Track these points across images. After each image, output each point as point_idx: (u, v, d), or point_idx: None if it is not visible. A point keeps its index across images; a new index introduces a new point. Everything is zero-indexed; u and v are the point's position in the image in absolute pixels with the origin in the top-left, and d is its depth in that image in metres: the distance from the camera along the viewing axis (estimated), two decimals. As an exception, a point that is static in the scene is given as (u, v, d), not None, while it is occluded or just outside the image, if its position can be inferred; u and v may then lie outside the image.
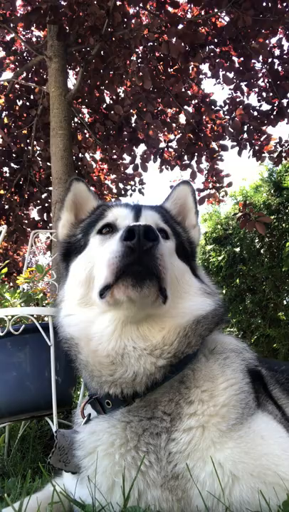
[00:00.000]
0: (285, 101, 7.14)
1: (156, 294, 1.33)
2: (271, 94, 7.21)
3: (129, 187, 8.79)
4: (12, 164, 8.05)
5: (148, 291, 1.30)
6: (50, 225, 7.24)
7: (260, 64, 7.21)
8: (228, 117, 7.70)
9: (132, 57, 7.06)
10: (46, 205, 8.11)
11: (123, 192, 8.75)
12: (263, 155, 7.75)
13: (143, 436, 1.32)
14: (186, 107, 7.60)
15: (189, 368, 1.41)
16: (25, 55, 7.86)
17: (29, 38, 7.90)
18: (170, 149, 8.39)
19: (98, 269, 1.44)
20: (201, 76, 7.96)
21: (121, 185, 8.80)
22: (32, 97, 7.90)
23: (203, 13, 6.72)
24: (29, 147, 7.81)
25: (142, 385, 1.32)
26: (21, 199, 8.16)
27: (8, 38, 7.52)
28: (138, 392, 1.33)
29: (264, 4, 6.00)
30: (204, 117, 7.82)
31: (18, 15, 6.69)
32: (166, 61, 7.02)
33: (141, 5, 6.51)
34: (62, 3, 6.05)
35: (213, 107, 7.66)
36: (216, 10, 6.26)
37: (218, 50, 7.05)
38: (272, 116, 7.30)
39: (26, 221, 8.34)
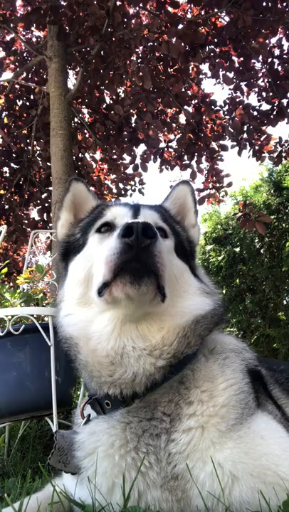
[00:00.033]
0: (284, 101, 7.15)
1: (155, 291, 1.33)
2: (271, 94, 7.21)
3: (129, 187, 8.79)
4: (12, 164, 8.05)
5: (146, 288, 1.30)
6: (50, 225, 7.25)
7: (260, 64, 7.22)
8: (228, 117, 7.70)
9: (132, 57, 7.06)
10: (46, 205, 8.11)
11: (123, 192, 8.75)
12: (263, 155, 7.76)
13: (143, 437, 1.32)
14: (186, 107, 7.60)
15: (189, 368, 1.41)
16: (25, 55, 7.86)
17: (29, 38, 7.90)
18: (170, 149, 8.40)
19: (97, 267, 1.44)
20: (201, 76, 7.96)
21: (121, 185, 8.80)
22: (32, 97, 7.91)
23: (203, 13, 6.72)
24: (29, 147, 7.81)
25: (141, 385, 1.31)
26: (21, 199, 8.16)
27: (8, 38, 7.53)
28: (137, 392, 1.33)
29: (264, 4, 6.00)
30: (204, 117, 7.82)
31: (18, 15, 6.69)
32: (166, 61, 7.02)
33: (141, 5, 6.50)
34: (62, 3, 6.05)
35: (213, 106, 7.66)
36: (216, 10, 6.26)
37: (218, 50, 7.05)
38: (272, 116, 7.30)
39: (26, 221, 8.34)
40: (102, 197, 8.56)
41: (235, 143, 7.55)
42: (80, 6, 5.68)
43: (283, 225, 9.22)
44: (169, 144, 8.39)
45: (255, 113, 7.47)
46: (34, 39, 7.93)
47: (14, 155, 7.91)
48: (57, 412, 2.95)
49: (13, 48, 7.66)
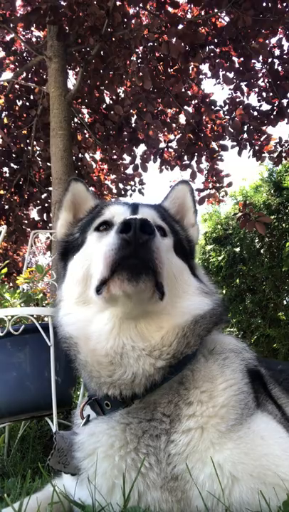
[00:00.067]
0: (285, 101, 7.14)
1: (153, 289, 1.32)
2: (271, 94, 7.21)
3: (129, 187, 8.78)
4: (12, 164, 8.04)
5: (144, 285, 1.29)
6: (50, 225, 7.25)
7: (260, 64, 7.22)
8: (228, 117, 7.70)
9: (132, 57, 7.06)
10: (46, 205, 8.11)
11: (123, 192, 8.75)
12: (263, 155, 7.75)
13: (143, 438, 1.31)
14: (186, 107, 7.60)
15: (188, 369, 1.40)
16: (25, 55, 7.86)
17: (29, 38, 7.90)
18: (170, 149, 8.39)
19: (95, 265, 1.43)
20: (201, 76, 7.96)
21: (121, 186, 8.80)
22: (32, 97, 7.90)
23: (203, 13, 6.72)
24: (29, 147, 7.81)
25: (140, 386, 1.31)
26: (21, 199, 8.16)
27: (8, 38, 7.52)
28: (137, 393, 1.32)
29: (264, 4, 6.00)
30: (204, 117, 7.82)
31: (18, 15, 6.69)
32: (166, 61, 7.02)
33: (141, 5, 6.50)
34: (62, 3, 6.05)
35: (213, 107, 7.66)
36: (216, 10, 6.26)
37: (218, 50, 7.05)
38: (272, 116, 7.30)
39: (26, 221, 8.34)
40: (102, 197, 8.56)
41: (235, 143, 7.55)
42: (79, 6, 5.67)
43: (283, 225, 9.22)
44: (169, 144, 8.39)
45: (256, 113, 7.46)
46: (34, 39, 7.93)
47: (14, 155, 7.91)
48: (57, 412, 2.95)
49: (13, 48, 7.65)
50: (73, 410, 1.68)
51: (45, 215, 8.14)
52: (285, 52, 7.24)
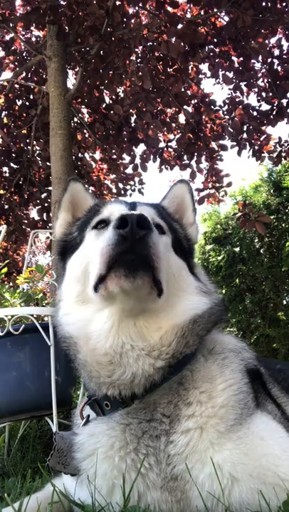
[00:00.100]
0: (284, 101, 7.14)
1: (151, 285, 1.31)
2: (271, 94, 7.21)
3: (128, 187, 8.79)
4: (12, 164, 8.04)
5: (141, 281, 1.29)
6: (50, 224, 7.25)
7: (259, 64, 7.21)
8: (227, 117, 7.70)
9: (131, 57, 7.07)
10: (46, 204, 8.11)
11: (123, 192, 8.75)
12: (263, 155, 7.76)
13: (142, 438, 1.31)
14: (185, 106, 7.60)
15: (188, 369, 1.40)
16: (24, 54, 7.85)
17: (28, 37, 7.90)
18: (170, 149, 8.39)
19: (93, 263, 1.43)
20: (200, 76, 7.96)
21: (120, 185, 8.80)
22: (31, 96, 7.90)
23: (202, 12, 6.72)
24: (29, 147, 7.81)
25: (140, 386, 1.31)
26: (21, 199, 8.16)
27: (7, 37, 7.52)
28: (136, 393, 1.32)
29: (263, 4, 6.01)
30: (204, 117, 7.82)
31: (18, 15, 6.69)
32: (165, 61, 7.02)
33: (140, 5, 6.50)
34: (62, 2, 6.05)
35: (212, 106, 7.66)
36: (215, 10, 6.26)
37: (217, 49, 7.05)
38: (271, 116, 7.30)
39: (26, 221, 8.34)
40: (102, 197, 8.56)
41: (234, 143, 7.55)
42: (79, 5, 5.67)
43: (283, 225, 9.22)
44: (169, 144, 8.39)
45: (255, 113, 7.47)
46: (34, 39, 7.93)
47: (14, 155, 7.91)
48: (57, 411, 2.95)
49: (13, 48, 7.65)
50: (73, 410, 1.68)
51: (45, 214, 8.14)
52: (285, 52, 7.24)
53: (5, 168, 8.12)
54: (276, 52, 7.25)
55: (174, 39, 6.03)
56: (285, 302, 9.49)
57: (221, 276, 9.77)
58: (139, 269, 1.28)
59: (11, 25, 6.37)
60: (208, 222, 10.60)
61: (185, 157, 8.03)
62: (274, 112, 7.26)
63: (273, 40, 7.22)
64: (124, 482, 1.26)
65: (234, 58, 7.10)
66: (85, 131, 8.45)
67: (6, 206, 8.06)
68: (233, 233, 9.96)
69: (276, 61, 7.11)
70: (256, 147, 7.62)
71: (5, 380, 3.08)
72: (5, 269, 3.72)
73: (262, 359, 1.90)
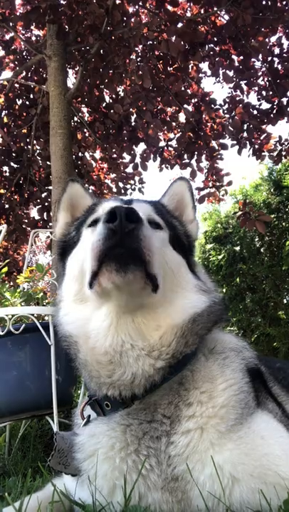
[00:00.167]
0: (284, 99, 7.13)
1: (143, 279, 1.30)
2: (271, 92, 7.20)
3: (129, 186, 8.78)
4: (12, 163, 8.04)
5: (132, 276, 1.27)
6: (50, 224, 7.24)
7: (259, 62, 7.20)
8: (227, 116, 7.69)
9: (131, 56, 7.06)
10: (46, 204, 8.10)
11: (123, 191, 8.75)
12: (263, 154, 7.75)
13: (143, 439, 1.31)
14: (185, 105, 7.59)
15: (188, 369, 1.40)
16: (24, 54, 7.85)
17: (28, 37, 7.89)
18: (170, 148, 8.38)
19: (87, 260, 1.42)
20: (200, 75, 7.95)
21: (121, 185, 8.80)
22: (32, 96, 7.90)
23: (202, 11, 6.71)
24: (29, 146, 7.80)
25: (140, 387, 1.30)
26: (21, 198, 8.15)
27: (7, 37, 7.51)
28: (136, 394, 1.31)
29: (263, 3, 5.99)
30: (204, 116, 7.81)
31: (18, 14, 6.69)
32: (165, 60, 7.01)
33: (140, 3, 6.50)
34: (62, 2, 6.04)
35: (212, 105, 7.65)
36: (215, 8, 6.25)
37: (217, 48, 7.04)
38: (272, 115, 7.29)
39: (26, 220, 8.33)
40: (102, 196, 8.56)
41: (235, 142, 7.54)
42: (79, 4, 5.67)
43: (283, 223, 9.22)
44: (169, 143, 8.38)
45: (255, 112, 7.46)
46: (33, 38, 7.92)
47: (14, 154, 7.91)
48: (57, 411, 2.96)
49: (13, 47, 7.64)
50: (74, 409, 1.69)
51: (45, 214, 8.13)
52: (285, 50, 7.23)
53: (5, 168, 8.12)
54: (276, 50, 7.24)
55: (174, 38, 6.02)
56: (285, 301, 9.49)
57: (222, 275, 9.77)
58: (129, 263, 1.27)
59: (10, 24, 6.36)
60: (209, 221, 10.60)
61: (185, 156, 8.02)
62: (274, 111, 7.26)
63: (273, 39, 7.21)
64: (126, 483, 1.26)
65: (234, 57, 7.09)
66: (85, 130, 8.44)
67: (7, 205, 8.06)
68: (233, 232, 9.95)
69: (276, 60, 7.10)
70: (256, 146, 7.61)
71: (5, 379, 3.08)
72: (5, 269, 3.72)
73: (262, 358, 1.89)
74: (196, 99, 7.92)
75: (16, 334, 3.01)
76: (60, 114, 5.51)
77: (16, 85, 7.75)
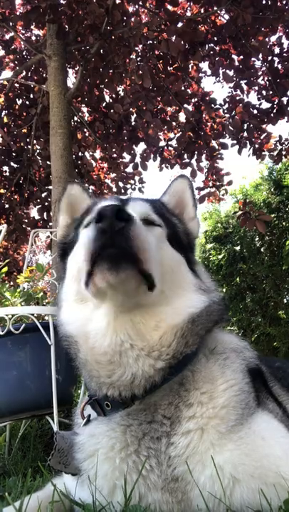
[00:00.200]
0: (285, 99, 7.14)
1: (137, 278, 1.29)
2: (271, 92, 7.21)
3: (129, 186, 8.79)
4: (12, 163, 8.04)
5: (125, 274, 1.26)
6: (50, 224, 7.24)
7: (259, 62, 7.22)
8: (228, 115, 7.70)
9: (131, 55, 7.06)
10: (46, 204, 8.11)
11: (123, 191, 8.75)
12: (263, 153, 7.75)
13: (143, 440, 1.30)
14: (185, 105, 7.59)
15: (189, 370, 1.39)
16: (24, 53, 7.86)
17: (28, 36, 7.90)
18: (170, 148, 8.39)
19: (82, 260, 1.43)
20: (200, 74, 7.96)
21: (121, 184, 8.80)
22: (31, 95, 7.90)
23: (202, 11, 6.71)
24: (29, 146, 7.80)
25: (140, 387, 1.30)
26: (21, 198, 8.16)
27: (7, 36, 7.52)
28: (136, 394, 1.31)
29: (264, 2, 6.00)
30: (204, 116, 7.81)
31: (18, 14, 6.69)
32: (165, 59, 7.01)
33: (140, 3, 6.51)
34: (62, 1, 6.04)
35: (213, 105, 7.66)
36: (215, 8, 6.25)
37: (217, 48, 7.04)
38: (272, 115, 7.29)
39: (26, 220, 8.34)
40: (103, 196, 8.56)
41: (235, 141, 7.55)
42: (79, 4, 5.67)
43: (283, 223, 9.21)
44: (169, 143, 8.39)
45: (255, 111, 7.46)
46: (33, 38, 7.93)
47: (14, 154, 7.91)
48: (57, 411, 2.95)
49: (13, 47, 7.65)
50: (74, 409, 1.69)
51: (45, 213, 8.14)
52: (285, 50, 7.24)
53: (5, 168, 8.12)
54: (276, 50, 7.26)
55: (174, 37, 6.03)
56: (285, 301, 9.49)
57: (222, 274, 9.77)
58: (121, 261, 1.25)
59: (10, 24, 6.37)
60: (209, 221, 10.59)
61: (185, 156, 8.02)
62: (274, 110, 7.26)
63: (273, 38, 7.24)
64: (126, 483, 1.25)
65: (234, 56, 7.10)
66: (85, 130, 8.44)
67: (7, 205, 8.06)
68: (233, 232, 9.95)
69: (276, 59, 7.11)
70: (256, 145, 7.61)
71: (5, 379, 3.07)
72: (5, 269, 3.71)
73: (261, 357, 1.89)
74: (196, 99, 7.92)
75: (16, 334, 3.00)
76: (60, 113, 5.52)
77: (16, 85, 7.75)
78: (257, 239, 9.53)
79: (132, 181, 8.77)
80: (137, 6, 7.18)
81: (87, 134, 8.52)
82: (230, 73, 7.18)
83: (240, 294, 9.74)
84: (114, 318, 1.35)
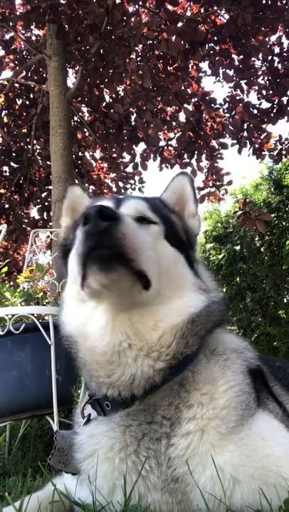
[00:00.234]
0: (284, 99, 7.15)
1: (131, 277, 1.28)
2: (271, 92, 7.21)
3: (129, 186, 8.79)
4: (12, 163, 8.05)
5: (116, 274, 1.25)
6: (50, 223, 7.24)
7: (259, 62, 7.22)
8: (228, 115, 7.70)
9: (131, 55, 7.06)
10: (46, 204, 8.11)
11: (123, 190, 8.76)
12: (263, 153, 7.76)
13: (143, 440, 1.30)
14: (185, 105, 7.59)
15: (189, 370, 1.38)
16: (24, 53, 7.86)
17: (28, 36, 7.90)
18: (170, 148, 8.39)
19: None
20: (200, 74, 7.97)
21: (121, 184, 8.80)
22: (32, 95, 7.91)
23: (202, 10, 6.71)
24: (29, 146, 7.80)
25: (140, 388, 1.29)
26: (21, 198, 8.16)
27: (7, 36, 7.52)
28: (136, 395, 1.30)
29: (264, 2, 6.00)
30: (204, 115, 7.82)
31: (18, 14, 6.69)
32: (165, 59, 7.01)
33: (140, 3, 6.51)
34: (62, 1, 6.04)
35: (212, 105, 7.66)
36: (215, 8, 6.25)
37: (217, 48, 7.05)
38: (272, 114, 7.30)
39: (26, 220, 8.34)
40: (102, 195, 8.55)
41: (235, 141, 7.55)
42: (79, 4, 5.67)
43: (283, 223, 9.20)
44: (169, 143, 8.39)
45: (255, 111, 7.47)
46: (33, 38, 7.93)
47: (14, 154, 7.91)
48: (57, 410, 2.95)
49: (13, 47, 7.65)
50: (74, 409, 1.69)
51: (45, 213, 8.14)
52: (285, 49, 7.24)
53: (5, 168, 8.13)
54: (276, 50, 7.26)
55: (174, 37, 6.03)
56: (285, 300, 9.48)
57: (222, 274, 9.76)
58: (110, 261, 1.24)
59: (10, 24, 6.37)
60: (209, 221, 10.58)
61: (185, 155, 8.03)
62: (274, 110, 7.27)
63: (273, 38, 7.24)
64: (126, 483, 1.25)
65: (234, 56, 7.10)
66: (85, 130, 8.45)
67: (7, 205, 8.07)
68: (233, 232, 9.94)
69: (276, 59, 7.12)
70: (256, 145, 7.62)
71: (5, 379, 3.07)
72: (5, 269, 3.71)
73: (261, 357, 1.88)
74: (196, 99, 7.92)
75: (16, 334, 3.00)
76: (60, 113, 5.52)
77: (16, 85, 7.75)
78: (257, 239, 9.53)
79: (132, 181, 8.78)
80: (137, 6, 7.18)
81: (87, 134, 8.53)
82: (230, 73, 7.18)
83: (240, 293, 9.73)
84: (113, 317, 1.34)
